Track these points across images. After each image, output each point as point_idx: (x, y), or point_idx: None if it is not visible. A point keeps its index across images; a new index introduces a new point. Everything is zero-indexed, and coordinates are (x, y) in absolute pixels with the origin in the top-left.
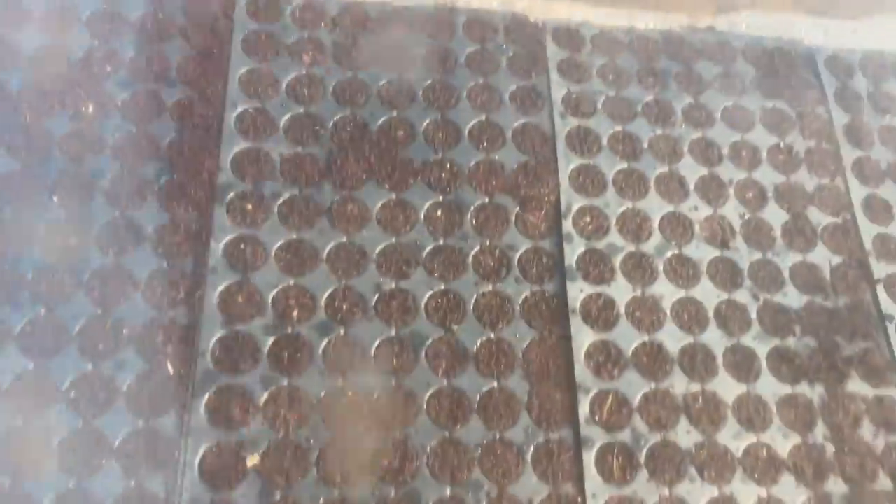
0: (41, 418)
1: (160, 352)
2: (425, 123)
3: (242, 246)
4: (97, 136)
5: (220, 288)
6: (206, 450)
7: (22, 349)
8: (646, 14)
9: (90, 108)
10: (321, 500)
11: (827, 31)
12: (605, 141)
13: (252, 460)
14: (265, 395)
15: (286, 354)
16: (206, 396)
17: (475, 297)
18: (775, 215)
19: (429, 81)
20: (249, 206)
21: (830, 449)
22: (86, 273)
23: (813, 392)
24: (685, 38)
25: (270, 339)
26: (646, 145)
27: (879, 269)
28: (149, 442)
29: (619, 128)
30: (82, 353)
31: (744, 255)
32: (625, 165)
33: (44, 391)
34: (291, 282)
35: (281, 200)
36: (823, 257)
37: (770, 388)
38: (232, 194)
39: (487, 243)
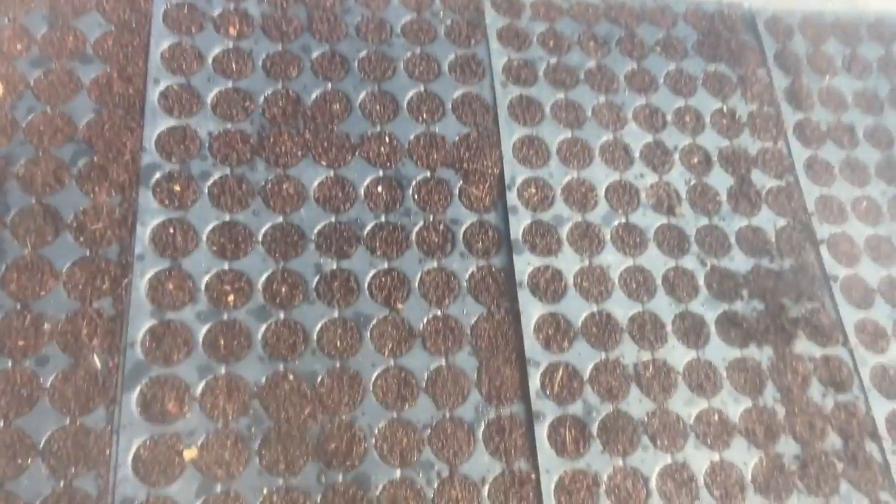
0: None
1: (85, 345)
2: (361, 96)
3: (171, 230)
4: (8, 118)
5: (149, 275)
6: (140, 445)
7: None
8: None
9: (0, 89)
10: (265, 490)
11: None
12: (547, 109)
13: (189, 453)
14: (201, 385)
15: (222, 342)
16: (138, 389)
17: (420, 274)
18: (720, 180)
19: (364, 52)
20: (177, 188)
21: (780, 410)
22: (1, 265)
23: (762, 355)
24: (626, 3)
25: (205, 327)
26: (589, 113)
27: (822, 230)
28: (77, 439)
29: (561, 95)
30: (0, 350)
31: (690, 221)
32: (568, 134)
33: None
34: (226, 266)
35: (211, 181)
36: (768, 220)
37: (719, 352)
38: (158, 175)
39: (431, 218)
